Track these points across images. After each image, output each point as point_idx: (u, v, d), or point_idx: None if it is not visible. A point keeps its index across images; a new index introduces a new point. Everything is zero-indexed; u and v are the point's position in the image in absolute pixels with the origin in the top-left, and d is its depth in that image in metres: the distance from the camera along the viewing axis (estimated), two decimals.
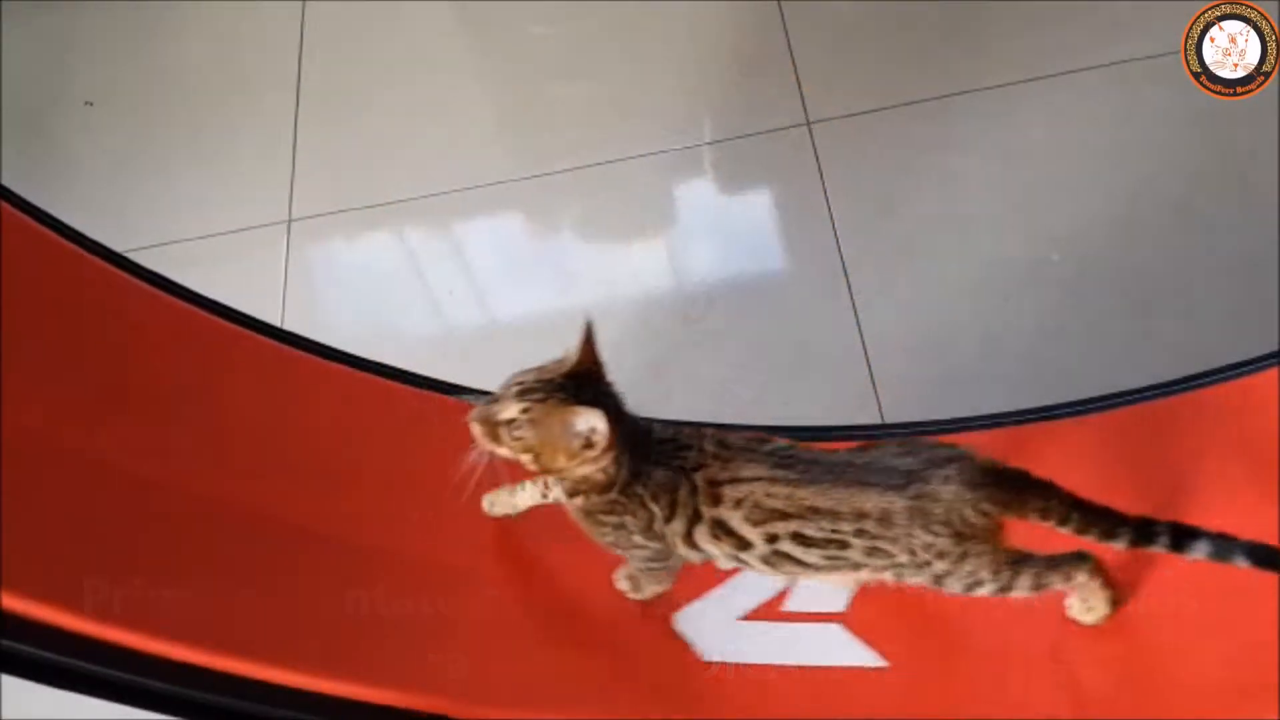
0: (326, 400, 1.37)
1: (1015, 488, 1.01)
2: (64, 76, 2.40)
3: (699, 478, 1.03)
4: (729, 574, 1.20)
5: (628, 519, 1.04)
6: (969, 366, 1.75)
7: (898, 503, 0.99)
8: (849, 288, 1.86)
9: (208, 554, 1.09)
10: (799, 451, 1.04)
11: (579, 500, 1.05)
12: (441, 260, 2.14)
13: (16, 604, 0.88)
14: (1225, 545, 1.00)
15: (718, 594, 1.21)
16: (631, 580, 1.18)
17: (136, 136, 2.29)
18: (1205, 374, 1.32)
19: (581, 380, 0.99)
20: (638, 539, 1.06)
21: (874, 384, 1.75)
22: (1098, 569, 1.08)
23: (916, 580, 1.05)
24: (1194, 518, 1.03)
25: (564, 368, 1.00)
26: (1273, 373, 1.26)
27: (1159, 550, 1.01)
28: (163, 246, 2.06)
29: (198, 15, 2.46)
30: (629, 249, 2.09)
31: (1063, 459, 1.23)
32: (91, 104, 2.33)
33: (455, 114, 2.24)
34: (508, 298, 2.05)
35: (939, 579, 1.03)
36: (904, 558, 1.02)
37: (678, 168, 2.11)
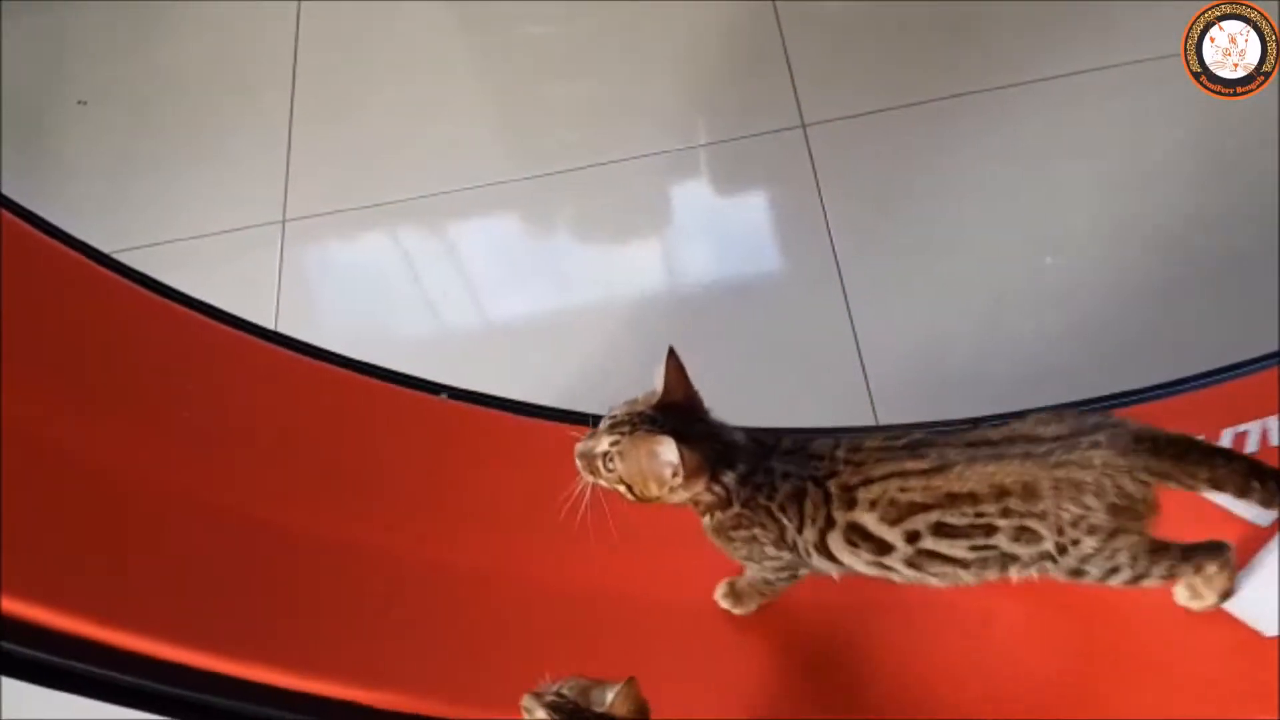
0: (319, 402, 1.37)
1: (1179, 453, 0.95)
2: (58, 76, 2.40)
3: (832, 485, 1.02)
4: None
5: (757, 531, 1.04)
6: (963, 367, 1.76)
7: (1040, 472, 0.94)
8: (843, 289, 1.86)
9: (201, 555, 1.09)
10: (934, 438, 1.01)
11: (707, 519, 1.06)
12: (437, 261, 2.14)
13: (15, 607, 0.88)
14: None
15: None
16: (734, 596, 1.17)
17: (131, 136, 2.29)
18: (1204, 375, 1.32)
19: (670, 409, 1.01)
20: (770, 550, 1.06)
21: (868, 385, 1.75)
22: (1229, 561, 1.04)
23: (1057, 573, 1.00)
24: (1195, 519, 1.03)
25: (654, 399, 1.02)
26: (1273, 372, 1.26)
27: None
28: (157, 246, 2.06)
29: (193, 15, 2.45)
30: (625, 250, 2.09)
31: None
32: (85, 103, 2.33)
33: (451, 114, 2.24)
34: (503, 298, 2.05)
35: (1083, 562, 0.98)
36: (1051, 540, 0.97)
37: (673, 169, 2.11)
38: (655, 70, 2.22)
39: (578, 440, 1.03)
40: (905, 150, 2.02)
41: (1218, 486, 0.95)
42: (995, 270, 1.87)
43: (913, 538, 1.00)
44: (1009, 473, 0.95)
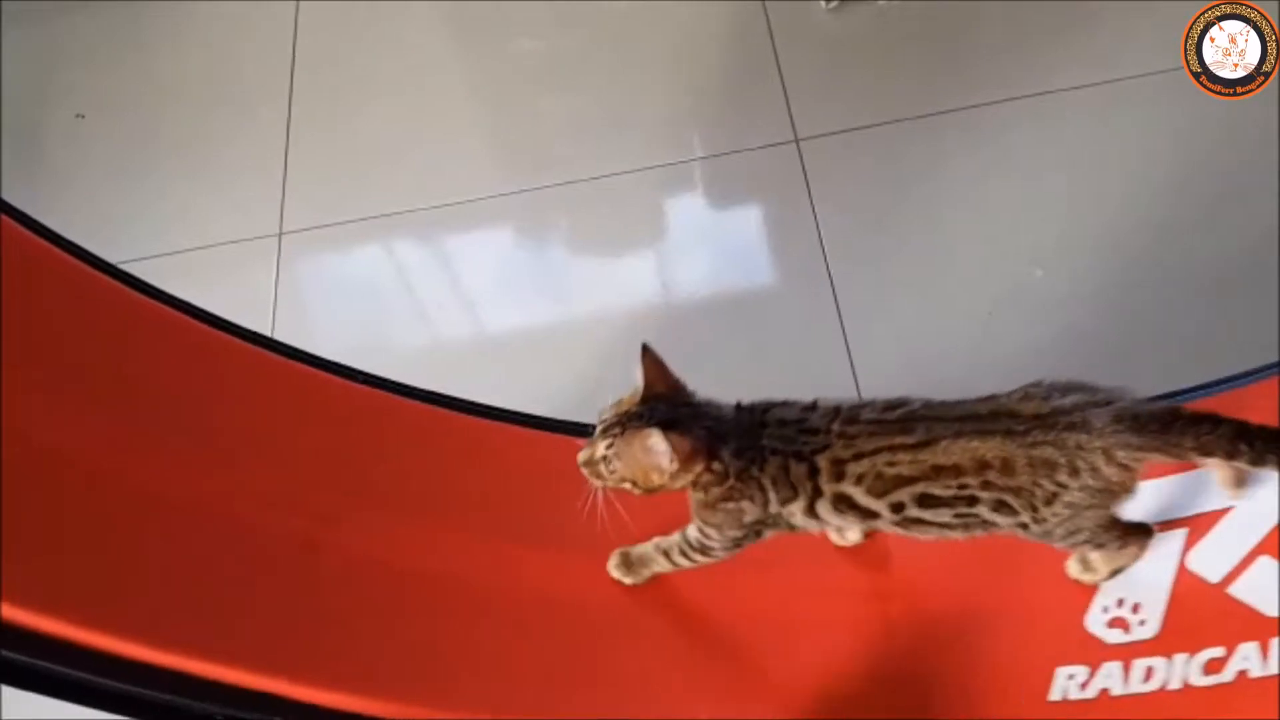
0: (315, 409, 1.37)
1: (1161, 427, 0.96)
2: (56, 88, 2.40)
3: (822, 459, 1.04)
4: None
5: (745, 503, 1.07)
6: (956, 379, 1.75)
7: (1018, 451, 0.98)
8: (836, 302, 1.87)
9: (200, 562, 1.09)
10: (925, 411, 1.04)
11: (701, 495, 1.09)
12: (432, 274, 2.15)
13: (15, 614, 0.88)
14: None
15: None
16: (627, 566, 1.20)
17: (128, 148, 2.29)
18: (1199, 386, 1.32)
19: (655, 401, 1.05)
20: (748, 519, 1.08)
21: (860, 397, 1.75)
22: (1146, 546, 1.10)
23: (1028, 536, 1.04)
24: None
25: (637, 396, 1.06)
26: (1272, 382, 1.26)
27: None
28: (154, 259, 2.06)
29: (191, 28, 2.46)
30: (619, 263, 2.10)
31: None
32: (83, 116, 2.33)
33: (447, 128, 2.25)
34: (498, 311, 2.06)
35: (1051, 528, 1.02)
36: (1026, 514, 1.01)
37: (667, 183, 2.12)
38: (649, 84, 2.23)
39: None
40: (898, 164, 2.04)
41: (1205, 453, 0.96)
42: (987, 283, 1.88)
43: (898, 508, 1.03)
44: (990, 448, 0.99)
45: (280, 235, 2.12)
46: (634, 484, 1.06)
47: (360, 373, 1.41)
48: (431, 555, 1.21)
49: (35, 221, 1.25)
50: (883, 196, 2.01)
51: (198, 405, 1.25)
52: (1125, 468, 0.97)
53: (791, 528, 1.10)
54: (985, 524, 1.03)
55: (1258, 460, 0.95)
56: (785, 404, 1.09)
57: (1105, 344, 1.77)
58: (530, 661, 1.17)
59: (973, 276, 1.89)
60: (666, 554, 1.17)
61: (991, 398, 1.03)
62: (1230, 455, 0.96)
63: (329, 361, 1.41)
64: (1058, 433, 0.97)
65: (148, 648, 0.94)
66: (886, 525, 1.06)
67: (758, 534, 1.12)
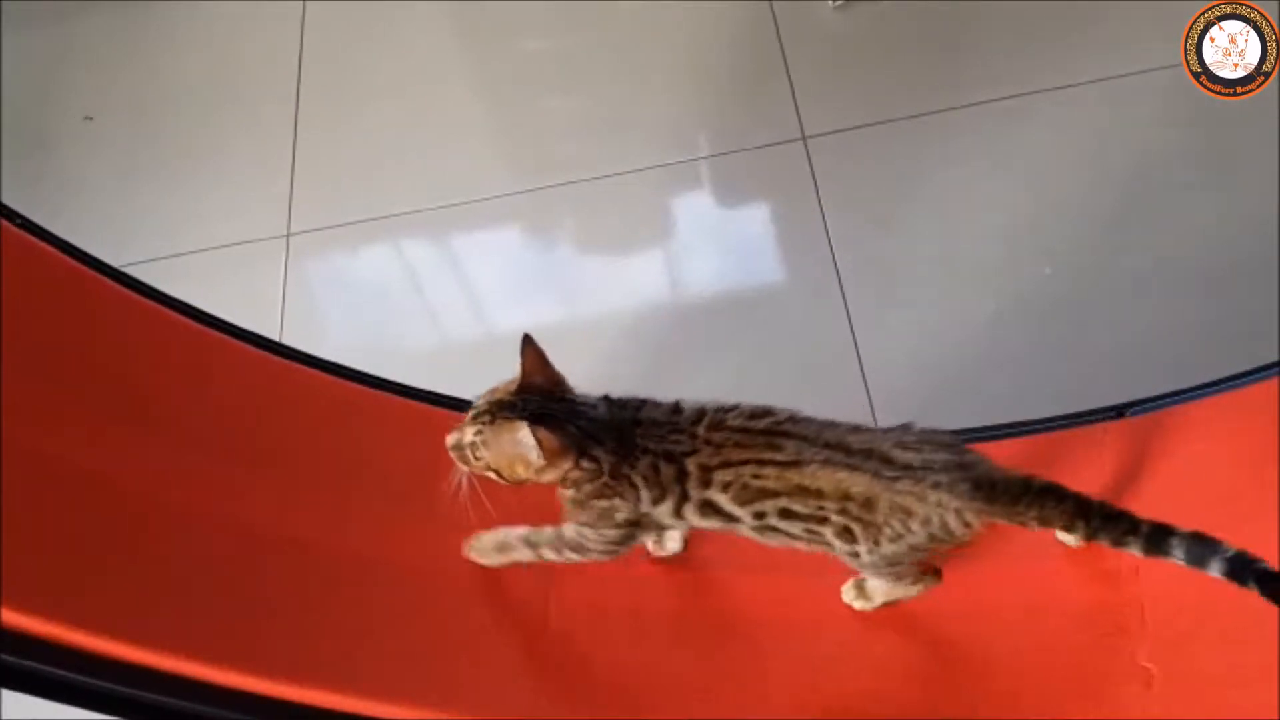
0: (323, 413, 1.37)
1: (1012, 499, 1.02)
2: (63, 91, 2.41)
3: (690, 463, 1.05)
4: None
5: (617, 501, 1.07)
6: (964, 377, 1.76)
7: (884, 493, 1.02)
8: (844, 300, 1.86)
9: (204, 567, 1.09)
10: (794, 428, 1.06)
11: (572, 492, 1.09)
12: (440, 274, 2.15)
13: (15, 619, 0.88)
14: (1240, 564, 0.95)
15: None
16: (490, 549, 1.19)
17: (135, 150, 2.30)
18: (1203, 385, 1.32)
19: (530, 393, 1.06)
20: (620, 517, 1.08)
21: (869, 395, 1.76)
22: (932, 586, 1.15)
23: (850, 561, 1.08)
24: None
25: (514, 384, 1.06)
26: (1273, 383, 1.25)
27: (1175, 562, 0.99)
28: (161, 260, 2.07)
29: (199, 28, 2.47)
30: (627, 262, 2.10)
31: (1055, 474, 1.23)
32: (92, 119, 2.34)
33: (454, 128, 2.25)
34: (506, 310, 2.06)
35: (870, 553, 1.06)
36: (865, 545, 1.05)
37: (675, 181, 2.12)
38: (656, 83, 2.23)
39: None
40: (905, 162, 2.03)
41: (1045, 524, 1.02)
42: (995, 281, 1.88)
43: (760, 516, 1.06)
44: (857, 483, 1.02)
45: (288, 236, 2.13)
46: (499, 474, 1.06)
47: (365, 374, 1.41)
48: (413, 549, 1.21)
49: (37, 226, 1.26)
50: (890, 194, 2.01)
51: (198, 408, 1.25)
52: (970, 526, 1.03)
53: (661, 529, 1.13)
54: (825, 544, 1.07)
55: (1091, 536, 1.02)
56: (655, 404, 1.10)
57: (1115, 341, 1.76)
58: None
59: (981, 274, 1.89)
60: (534, 547, 1.16)
61: (866, 430, 1.06)
62: (1067, 529, 1.04)
63: (332, 364, 1.41)
64: (924, 487, 1.01)
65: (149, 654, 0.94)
66: (745, 530, 1.08)
67: (632, 536, 1.12)
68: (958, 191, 1.99)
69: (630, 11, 2.33)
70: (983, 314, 1.83)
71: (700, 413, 1.07)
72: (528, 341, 1.07)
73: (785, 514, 1.05)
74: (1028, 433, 1.34)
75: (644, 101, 2.22)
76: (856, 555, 1.07)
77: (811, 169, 2.02)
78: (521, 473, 1.05)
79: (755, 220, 2.14)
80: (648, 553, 1.25)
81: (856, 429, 1.06)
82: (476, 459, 1.05)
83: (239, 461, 1.22)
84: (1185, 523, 1.01)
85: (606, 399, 1.09)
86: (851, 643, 1.20)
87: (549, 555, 1.16)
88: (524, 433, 1.01)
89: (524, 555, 1.17)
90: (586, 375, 1.79)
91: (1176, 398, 1.33)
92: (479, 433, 1.04)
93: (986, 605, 1.18)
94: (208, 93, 2.38)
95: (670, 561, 1.25)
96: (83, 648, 0.91)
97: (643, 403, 1.10)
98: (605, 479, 1.06)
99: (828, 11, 2.22)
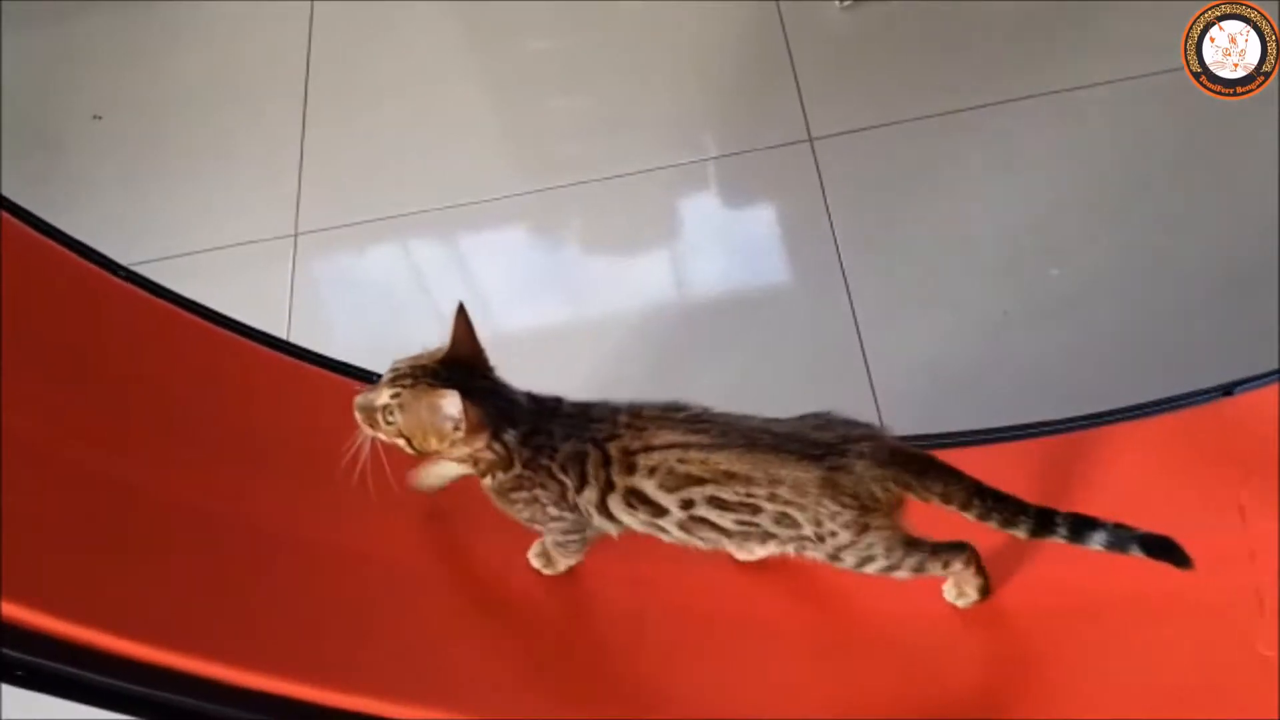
0: (333, 412, 1.37)
1: (920, 470, 1.03)
2: (71, 90, 2.42)
3: (612, 448, 1.04)
4: None
5: (539, 492, 1.07)
6: (970, 378, 1.76)
7: (812, 472, 1.01)
8: (850, 300, 1.86)
9: (212, 565, 1.09)
10: (714, 416, 1.06)
11: (488, 480, 1.08)
12: (446, 273, 2.15)
13: (16, 612, 0.88)
14: (1121, 535, 1.01)
15: None
16: (544, 556, 1.18)
17: (143, 149, 2.31)
18: (1206, 390, 1.31)
19: (455, 365, 1.04)
20: (552, 510, 1.08)
21: (875, 396, 1.76)
22: (972, 558, 1.11)
23: (815, 554, 1.07)
24: (1191, 528, 1.03)
25: (439, 354, 1.05)
26: (1274, 388, 1.25)
27: (1059, 540, 1.03)
28: (169, 259, 2.08)
29: (206, 28, 2.48)
30: (633, 262, 2.10)
31: (1052, 476, 1.23)
32: (100, 118, 2.35)
33: (461, 128, 2.26)
34: (513, 310, 2.06)
35: (839, 550, 1.05)
36: (809, 529, 1.04)
37: (681, 182, 2.12)
38: (663, 84, 2.24)
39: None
40: (911, 163, 2.03)
41: (947, 501, 1.03)
42: (1001, 282, 1.88)
43: (687, 505, 1.04)
44: (785, 466, 1.02)
45: (296, 236, 2.13)
46: (409, 442, 1.03)
47: (373, 374, 1.41)
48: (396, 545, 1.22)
49: (45, 224, 1.26)
50: (897, 195, 2.01)
51: (208, 406, 1.25)
52: (890, 493, 1.03)
53: (595, 530, 1.11)
54: (765, 535, 1.06)
55: (983, 516, 1.03)
56: (575, 402, 1.09)
57: (1121, 343, 1.76)
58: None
59: (988, 276, 1.89)
60: (548, 555, 1.17)
61: (783, 420, 1.06)
62: (965, 508, 1.03)
63: (342, 363, 1.41)
64: (849, 459, 1.02)
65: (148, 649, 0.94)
66: (672, 526, 1.06)
67: (580, 525, 1.10)
68: (964, 192, 1.99)
69: (636, 11, 2.34)
70: (989, 315, 1.83)
71: (618, 408, 1.07)
72: (461, 311, 1.06)
73: (715, 502, 1.04)
74: (1031, 435, 1.34)
75: (650, 102, 2.22)
76: (807, 542, 1.06)
77: (818, 170, 2.02)
78: (434, 444, 1.03)
79: (761, 221, 2.14)
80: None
81: (774, 419, 1.06)
82: (388, 423, 1.02)
83: (248, 459, 1.22)
84: (1180, 528, 1.01)
85: (528, 393, 1.09)
86: (944, 646, 1.18)
87: (561, 562, 1.17)
88: (449, 401, 0.99)
89: (562, 560, 1.17)
90: (592, 374, 1.81)
91: (1177, 400, 1.32)
92: (395, 395, 1.02)
93: (1091, 604, 1.15)
94: (215, 91, 2.38)
95: (676, 561, 1.24)
96: (91, 644, 0.91)
97: (561, 399, 1.09)
98: (519, 470, 1.05)
99: (835, 12, 2.22)
